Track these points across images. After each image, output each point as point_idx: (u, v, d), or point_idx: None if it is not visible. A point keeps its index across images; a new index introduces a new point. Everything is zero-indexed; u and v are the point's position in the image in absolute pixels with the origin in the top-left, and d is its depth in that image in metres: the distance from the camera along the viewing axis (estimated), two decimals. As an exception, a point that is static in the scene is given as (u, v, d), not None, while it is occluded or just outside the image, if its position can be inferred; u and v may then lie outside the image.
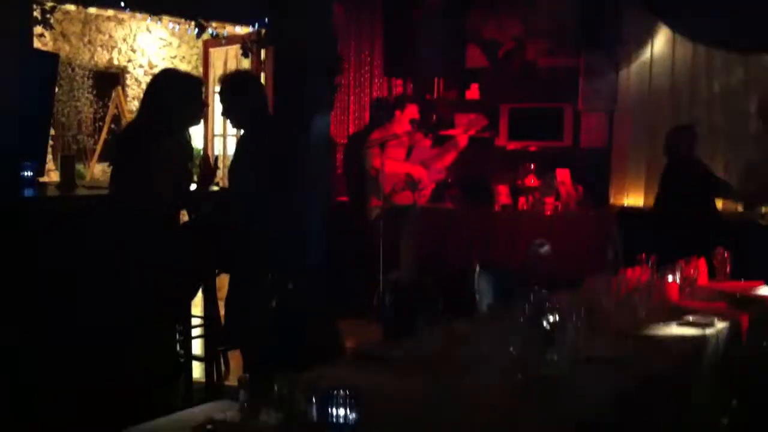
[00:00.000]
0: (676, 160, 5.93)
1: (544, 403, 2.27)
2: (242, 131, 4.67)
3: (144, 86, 9.25)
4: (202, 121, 7.88)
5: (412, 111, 6.72)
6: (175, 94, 4.25)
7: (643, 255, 3.65)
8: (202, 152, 8.40)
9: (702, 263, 4.07)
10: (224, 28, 7.68)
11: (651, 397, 2.59)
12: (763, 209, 6.34)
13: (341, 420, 1.98)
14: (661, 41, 7.20)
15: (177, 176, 4.31)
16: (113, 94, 8.94)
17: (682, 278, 3.71)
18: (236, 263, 4.37)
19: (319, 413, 2.00)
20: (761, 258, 4.71)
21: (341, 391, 1.98)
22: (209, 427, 2.04)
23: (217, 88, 7.81)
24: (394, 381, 2.45)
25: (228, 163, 7.63)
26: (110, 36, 9.42)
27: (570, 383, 2.41)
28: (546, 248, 4.90)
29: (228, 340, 4.64)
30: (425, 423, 2.11)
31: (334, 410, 1.98)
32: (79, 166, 7.79)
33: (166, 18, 7.40)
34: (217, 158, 7.89)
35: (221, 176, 7.43)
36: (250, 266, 4.21)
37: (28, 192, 4.44)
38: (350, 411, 1.97)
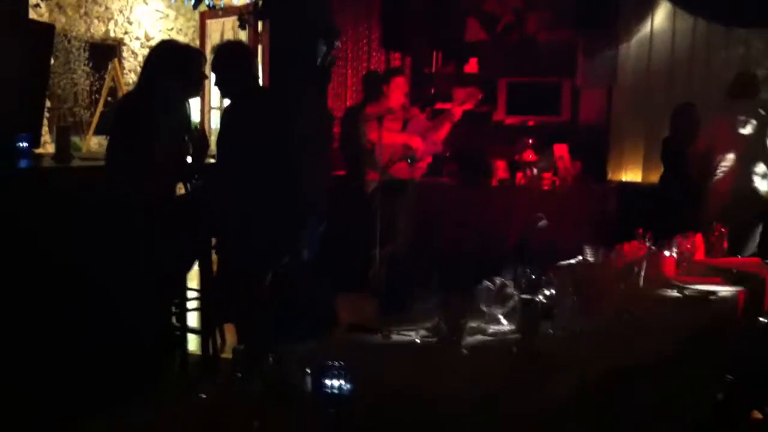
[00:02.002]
0: (676, 139, 5.94)
1: (538, 378, 2.27)
2: (228, 102, 4.64)
3: (141, 59, 9.25)
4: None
5: (399, 84, 6.67)
6: (175, 66, 4.23)
7: (641, 230, 3.65)
8: (198, 125, 8.36)
9: (699, 239, 4.07)
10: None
11: (647, 372, 2.59)
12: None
13: (334, 392, 1.98)
14: (661, 16, 7.16)
15: (175, 149, 4.29)
16: (109, 67, 8.89)
17: (679, 253, 3.71)
18: (224, 239, 4.36)
19: (313, 385, 2.01)
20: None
21: (334, 364, 1.98)
22: (202, 395, 2.05)
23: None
24: (388, 354, 2.45)
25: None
26: (107, 8, 9.35)
27: (565, 357, 2.41)
28: (543, 223, 4.88)
29: (220, 314, 4.63)
30: (417, 397, 2.10)
31: (327, 382, 1.98)
32: (75, 139, 7.76)
33: (163, -11, 7.35)
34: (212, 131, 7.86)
35: (213, 150, 7.41)
36: (238, 241, 4.20)
37: (23, 163, 4.42)
38: (343, 383, 1.97)
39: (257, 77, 4.63)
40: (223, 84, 4.45)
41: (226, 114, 4.70)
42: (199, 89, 4.60)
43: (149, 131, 4.10)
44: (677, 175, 5.92)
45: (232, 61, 4.43)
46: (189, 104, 4.70)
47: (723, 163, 5.65)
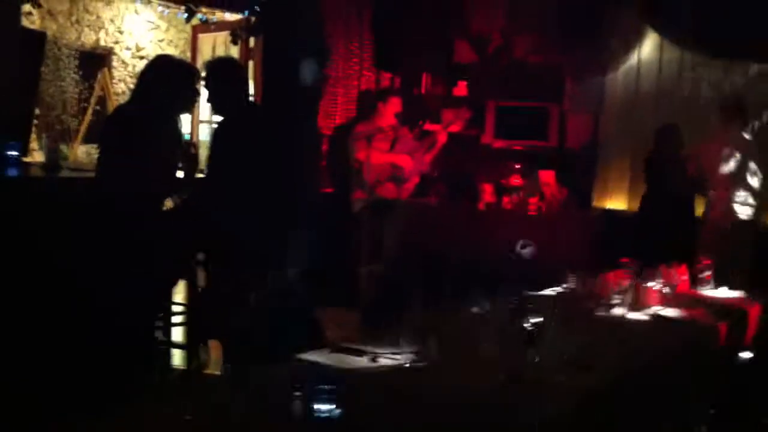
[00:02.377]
0: (660, 158, 6.00)
1: (525, 404, 2.28)
2: (220, 118, 4.66)
3: (130, 68, 9.24)
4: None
5: (395, 104, 6.72)
6: (170, 81, 4.23)
7: (625, 259, 3.67)
8: (189, 138, 8.36)
9: (683, 270, 4.10)
10: (214, 13, 7.63)
11: (630, 400, 2.61)
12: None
13: (322, 413, 2.00)
14: (648, 46, 7.24)
15: (165, 162, 4.29)
16: (99, 76, 8.84)
17: (663, 284, 3.73)
18: (213, 254, 4.36)
19: (300, 404, 2.02)
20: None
21: (322, 383, 2.00)
22: (188, 417, 2.04)
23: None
24: (373, 375, 2.46)
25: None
26: (98, 16, 9.32)
27: (551, 384, 2.43)
28: (529, 249, 4.92)
29: (206, 331, 4.62)
30: (404, 416, 2.12)
31: (315, 402, 1.99)
32: (63, 147, 7.72)
33: (155, 1, 7.35)
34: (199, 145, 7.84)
35: (203, 163, 7.39)
36: (225, 257, 4.20)
37: (11, 172, 4.41)
38: (330, 403, 1.99)
39: (248, 94, 4.65)
40: (214, 100, 4.46)
41: (216, 130, 4.71)
42: (192, 105, 4.61)
43: (140, 144, 4.09)
44: (660, 194, 5.96)
45: (223, 77, 4.45)
46: (180, 119, 4.70)
47: (712, 192, 5.73)
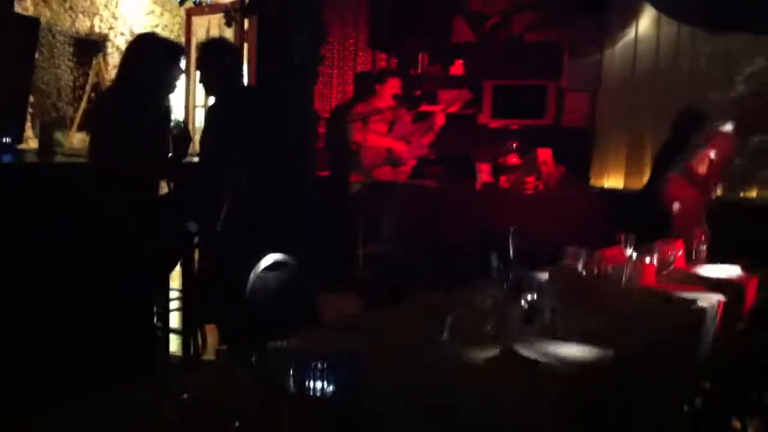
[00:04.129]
0: (675, 140, 5.94)
1: (522, 380, 2.28)
2: (212, 100, 4.64)
3: (126, 54, 9.22)
4: (184, 90, 7.82)
5: (394, 85, 6.70)
6: (151, 60, 4.21)
7: (622, 235, 3.67)
8: (182, 123, 8.31)
9: (680, 245, 4.10)
10: (208, -4, 7.61)
11: (625, 377, 2.61)
12: (742, 192, 6.40)
13: (319, 391, 1.99)
14: (645, 21, 7.21)
15: (154, 144, 4.27)
16: (94, 62, 8.83)
17: (660, 260, 3.73)
18: (208, 237, 4.36)
19: (298, 383, 2.01)
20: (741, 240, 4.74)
21: (321, 360, 1.98)
22: (185, 396, 2.04)
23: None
24: (372, 351, 2.45)
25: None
26: (92, 2, 9.28)
27: (547, 361, 2.43)
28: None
29: (205, 315, 4.63)
30: (405, 392, 2.11)
31: (313, 381, 1.98)
32: (59, 135, 7.71)
33: (149, -15, 7.31)
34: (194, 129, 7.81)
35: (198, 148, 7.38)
36: (222, 239, 4.20)
37: (6, 158, 4.40)
38: (328, 381, 1.98)
39: (242, 75, 4.64)
40: (208, 81, 4.44)
41: (210, 111, 4.69)
42: (175, 84, 4.57)
43: (126, 127, 4.08)
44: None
45: (217, 59, 4.43)
46: (169, 100, 4.68)
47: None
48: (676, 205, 5.56)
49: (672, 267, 3.88)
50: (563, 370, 2.38)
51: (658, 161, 6.17)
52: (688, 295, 3.40)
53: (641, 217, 5.61)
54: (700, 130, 5.84)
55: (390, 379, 2.16)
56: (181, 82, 7.60)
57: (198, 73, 4.50)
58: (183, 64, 4.45)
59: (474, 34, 7.84)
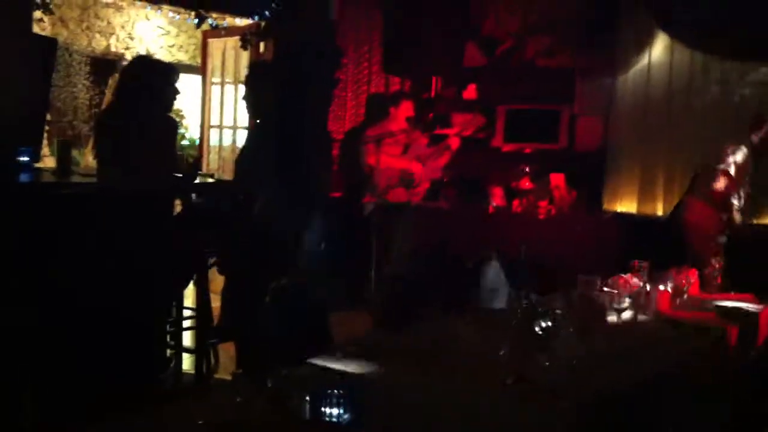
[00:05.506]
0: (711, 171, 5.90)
1: (534, 408, 2.28)
2: (257, 122, 4.72)
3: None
4: (200, 110, 7.86)
5: (407, 108, 6.73)
6: (145, 81, 4.34)
7: (636, 262, 3.66)
8: (198, 141, 8.40)
9: (693, 273, 4.09)
10: (224, 19, 7.66)
11: (639, 404, 2.60)
12: (755, 219, 6.37)
13: (334, 417, 1.99)
14: (659, 48, 7.22)
15: (155, 163, 4.33)
16: (110, 81, 8.92)
17: (674, 287, 3.72)
18: (235, 257, 4.39)
19: (313, 409, 2.01)
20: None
21: (335, 389, 1.99)
22: (200, 422, 2.05)
23: (216, 79, 7.80)
24: (385, 377, 2.45)
25: (224, 154, 7.62)
26: (109, 22, 9.39)
27: (561, 389, 2.42)
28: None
29: (224, 334, 4.64)
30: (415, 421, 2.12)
31: (328, 408, 1.99)
32: (74, 153, 7.77)
33: (166, 7, 7.38)
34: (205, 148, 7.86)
35: (212, 168, 7.42)
36: (249, 261, 4.23)
37: (24, 177, 4.42)
38: (343, 408, 1.98)
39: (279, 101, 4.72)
40: (247, 102, 4.54)
41: (253, 135, 4.76)
42: (171, 103, 4.65)
43: (122, 145, 4.20)
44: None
45: (258, 81, 4.55)
46: (172, 119, 4.76)
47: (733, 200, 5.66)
48: (692, 233, 5.52)
49: (686, 295, 3.87)
50: (578, 397, 2.38)
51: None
52: (702, 322, 3.39)
53: (659, 243, 5.59)
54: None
55: (401, 407, 2.17)
56: (197, 102, 7.66)
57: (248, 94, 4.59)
58: (177, 84, 4.54)
59: (486, 58, 7.88)
